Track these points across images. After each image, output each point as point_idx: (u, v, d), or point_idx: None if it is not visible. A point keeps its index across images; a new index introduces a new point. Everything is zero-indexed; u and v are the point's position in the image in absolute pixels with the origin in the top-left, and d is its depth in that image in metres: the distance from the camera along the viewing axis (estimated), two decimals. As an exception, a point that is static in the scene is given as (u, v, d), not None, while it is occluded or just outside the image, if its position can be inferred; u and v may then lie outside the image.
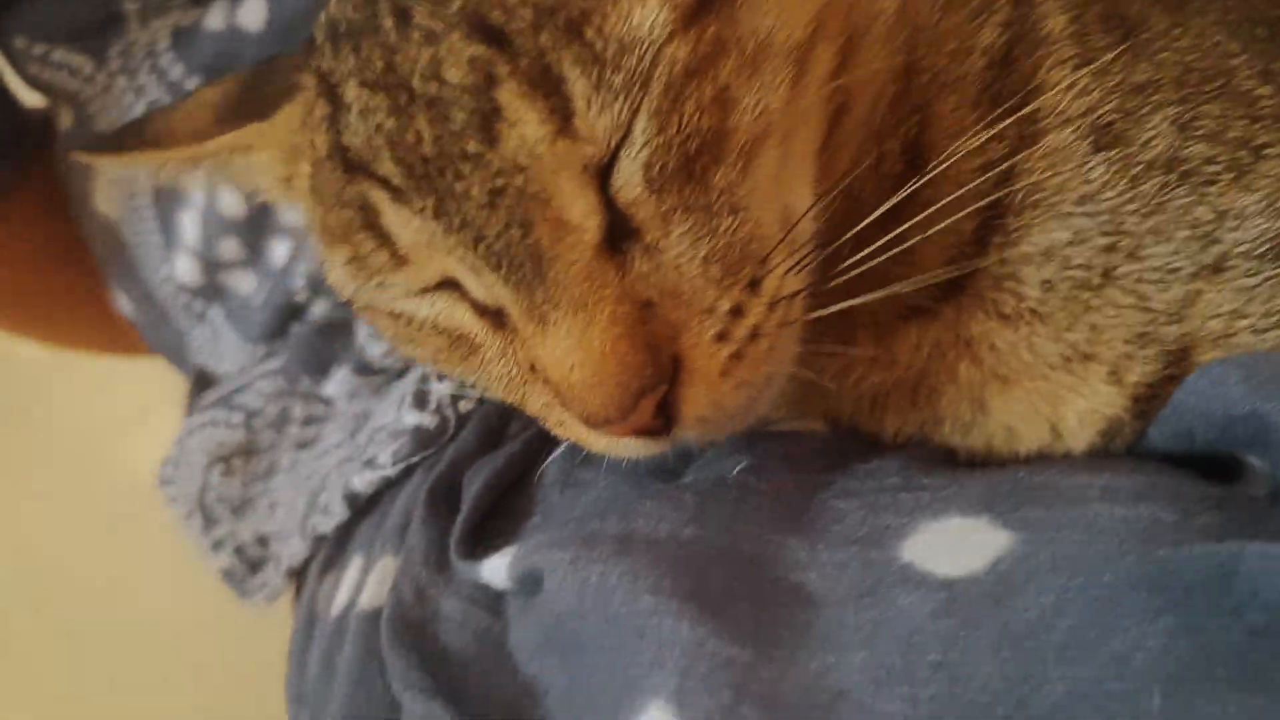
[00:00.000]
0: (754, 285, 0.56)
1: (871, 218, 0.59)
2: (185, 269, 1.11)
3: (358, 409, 0.95)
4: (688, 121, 0.54)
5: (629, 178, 0.55)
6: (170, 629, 1.76)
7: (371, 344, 1.01)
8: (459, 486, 0.80)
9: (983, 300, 0.63)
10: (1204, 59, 0.65)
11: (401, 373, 0.96)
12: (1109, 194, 0.60)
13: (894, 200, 0.60)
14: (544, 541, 0.64)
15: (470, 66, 0.55)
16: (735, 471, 0.61)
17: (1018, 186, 0.61)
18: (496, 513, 0.75)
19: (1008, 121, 0.62)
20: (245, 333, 1.06)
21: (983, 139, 0.61)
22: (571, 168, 0.55)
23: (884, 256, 0.60)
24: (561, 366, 0.55)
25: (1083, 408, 0.62)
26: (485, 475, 0.76)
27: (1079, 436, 0.63)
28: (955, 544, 0.53)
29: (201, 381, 1.17)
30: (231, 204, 1.02)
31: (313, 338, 1.05)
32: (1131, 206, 0.60)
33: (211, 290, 1.12)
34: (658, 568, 0.56)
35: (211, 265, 1.10)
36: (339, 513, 0.87)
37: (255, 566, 0.95)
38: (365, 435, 0.89)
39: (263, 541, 0.96)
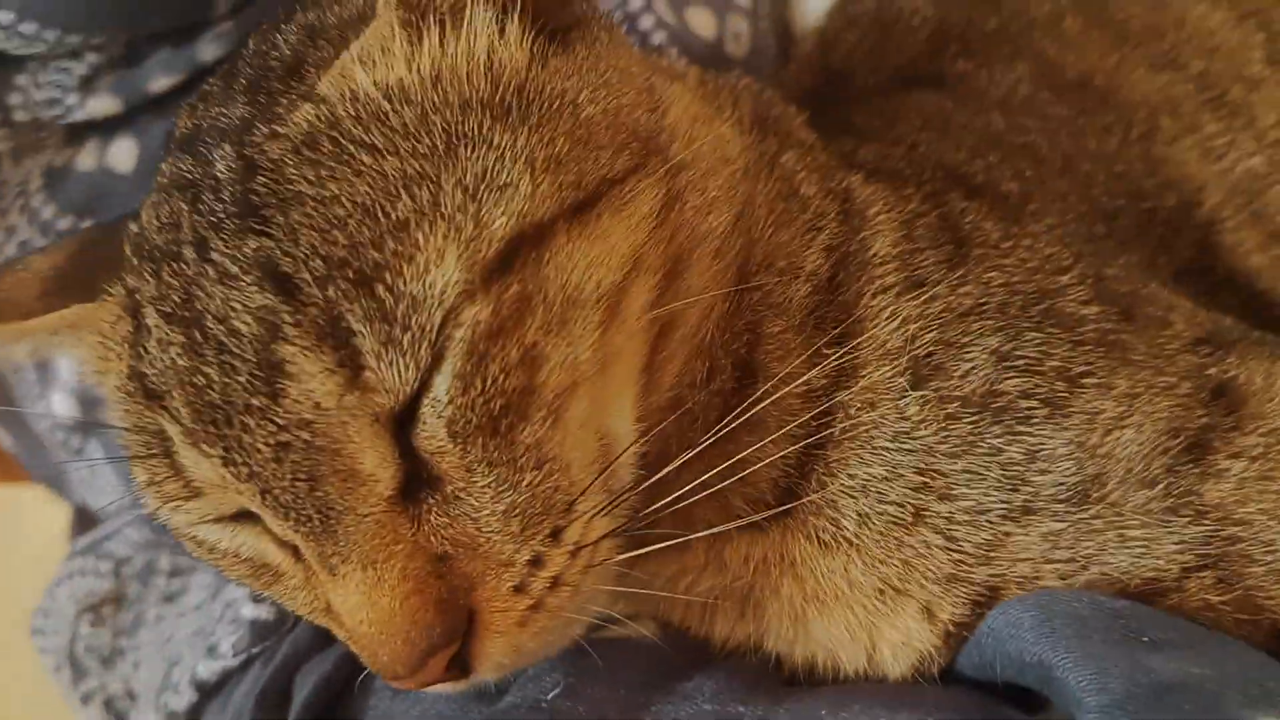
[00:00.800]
0: (555, 535, 0.55)
1: (705, 441, 0.60)
2: (61, 405, 1.08)
3: None
4: (492, 382, 0.54)
5: (433, 430, 0.54)
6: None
7: None
8: (289, 689, 0.77)
9: (805, 525, 0.63)
10: (1030, 279, 0.64)
11: None
12: (923, 432, 0.61)
13: (726, 423, 0.59)
14: None
15: (256, 317, 0.54)
16: (550, 696, 0.59)
17: (837, 420, 0.61)
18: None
19: (830, 356, 0.61)
20: (122, 470, 1.01)
21: (806, 368, 0.59)
22: (362, 419, 0.54)
23: (715, 484, 0.60)
24: (352, 618, 0.54)
25: (896, 640, 0.62)
26: (314, 680, 0.74)
27: (893, 667, 0.63)
28: None
29: (82, 520, 1.15)
30: None
31: None
32: (945, 447, 0.60)
33: (89, 426, 1.09)
34: None
35: (88, 401, 1.07)
36: (188, 695, 0.87)
37: (123, 722, 0.91)
38: (220, 605, 0.87)
39: (130, 695, 0.94)
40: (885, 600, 0.61)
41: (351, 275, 0.53)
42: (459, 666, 0.55)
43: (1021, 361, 0.61)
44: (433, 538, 0.54)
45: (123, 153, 0.95)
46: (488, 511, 0.55)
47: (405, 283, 0.53)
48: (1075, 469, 0.59)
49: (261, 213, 0.55)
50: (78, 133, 0.95)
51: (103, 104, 0.91)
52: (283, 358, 0.53)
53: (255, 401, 0.54)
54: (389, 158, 0.55)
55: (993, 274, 0.64)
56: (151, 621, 0.96)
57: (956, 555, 0.60)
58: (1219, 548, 0.57)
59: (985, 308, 0.62)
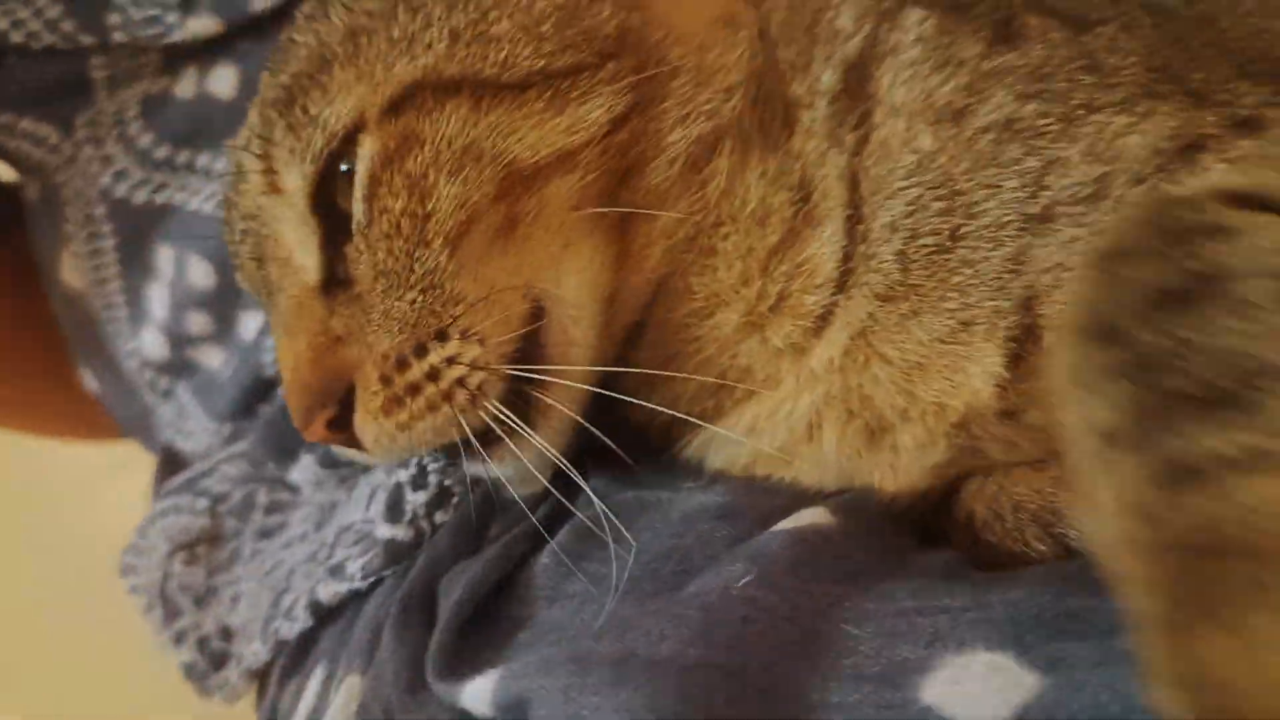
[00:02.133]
0: (419, 350, 0.65)
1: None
2: (152, 344, 1.08)
3: (323, 499, 0.92)
4: (385, 201, 0.64)
5: (353, 239, 0.66)
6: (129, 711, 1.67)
7: None
8: (434, 596, 0.74)
9: (862, 289, 0.66)
10: (1076, 68, 0.65)
11: (368, 467, 0.91)
12: (940, 159, 0.64)
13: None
14: (533, 664, 0.60)
15: (253, 133, 0.71)
16: (741, 584, 0.57)
17: (862, 186, 0.66)
18: (478, 626, 0.69)
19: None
20: (212, 410, 1.04)
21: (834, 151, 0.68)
22: (288, 220, 0.68)
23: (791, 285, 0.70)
24: (280, 368, 0.69)
25: (978, 371, 0.64)
26: (464, 584, 0.70)
27: (982, 395, 0.64)
28: (980, 686, 0.49)
29: (169, 460, 1.13)
30: (201, 275, 1.00)
31: (280, 421, 1.00)
32: (962, 166, 0.64)
33: (179, 366, 1.08)
34: (657, 701, 0.51)
35: (179, 340, 1.06)
36: (303, 619, 0.83)
37: (218, 662, 0.90)
38: (332, 531, 0.85)
39: (226, 634, 0.91)
40: (960, 340, 0.64)
41: (285, 98, 0.67)
42: (341, 430, 0.66)
43: (1044, 95, 0.63)
44: (335, 323, 0.66)
45: (223, 80, 0.95)
46: (377, 310, 0.65)
47: (314, 106, 0.66)
48: (1088, 172, 0.61)
49: (281, 56, 0.72)
50: (176, 59, 0.97)
51: (203, 24, 0.90)
52: (241, 161, 0.71)
53: (231, 195, 0.74)
54: (349, 14, 0.69)
55: (1035, 50, 0.65)
56: (248, 556, 0.94)
57: (994, 266, 0.62)
58: None
59: (1018, 70, 0.64)
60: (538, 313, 0.67)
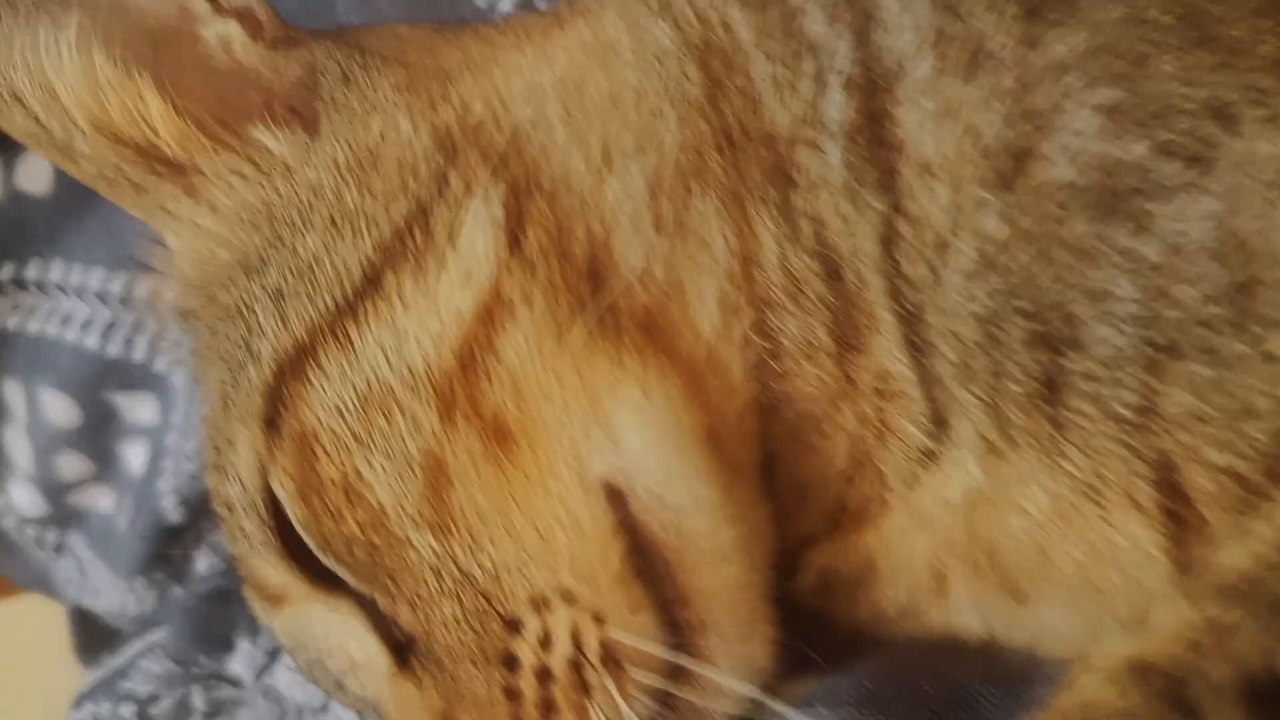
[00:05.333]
0: (511, 660, 0.51)
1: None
2: (24, 499, 0.94)
3: (279, 696, 0.82)
4: (332, 539, 0.53)
5: (373, 596, 0.55)
6: None
7: None
8: None
9: (961, 434, 0.54)
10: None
11: None
12: (1015, 252, 0.51)
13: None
14: None
15: None
16: None
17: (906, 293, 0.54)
18: None
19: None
20: (116, 566, 0.94)
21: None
22: (316, 618, 0.56)
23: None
24: None
25: (1126, 546, 0.52)
26: None
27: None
28: None
29: (83, 626, 0.99)
30: (60, 411, 0.90)
31: (203, 605, 0.87)
32: (1047, 259, 0.51)
33: (64, 517, 0.95)
34: None
35: (55, 489, 0.93)
36: None
37: None
38: None
39: None
40: (1091, 507, 0.51)
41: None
42: None
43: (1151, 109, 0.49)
44: (433, 698, 0.53)
45: (35, 172, 0.87)
46: (445, 652, 0.53)
47: (230, 498, 0.57)
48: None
49: None
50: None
51: None
52: None
53: None
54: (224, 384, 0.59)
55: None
56: None
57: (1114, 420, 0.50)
58: None
59: (1080, 54, 0.50)
60: (620, 502, 0.52)
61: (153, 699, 0.86)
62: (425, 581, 0.52)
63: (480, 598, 0.52)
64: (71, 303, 0.86)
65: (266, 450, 0.54)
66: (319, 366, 0.53)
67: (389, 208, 0.55)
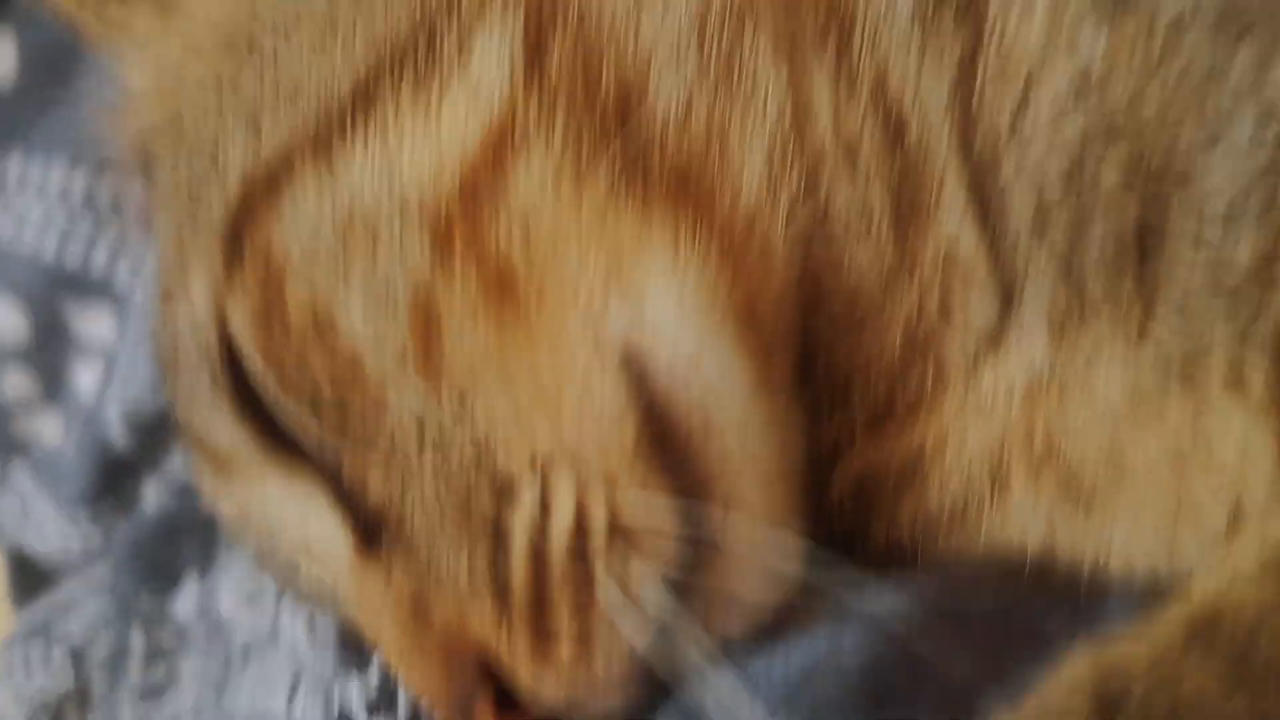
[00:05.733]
0: (498, 527, 0.46)
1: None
2: None
3: (225, 642, 0.74)
4: (300, 373, 0.48)
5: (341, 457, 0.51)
6: None
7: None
8: None
9: (1031, 305, 0.50)
10: None
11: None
12: (1115, 75, 0.47)
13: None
14: None
15: None
16: None
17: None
18: None
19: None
20: (60, 498, 0.89)
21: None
22: (273, 498, 0.53)
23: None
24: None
25: (1224, 443, 0.49)
26: None
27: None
28: None
29: (22, 571, 0.95)
30: (11, 322, 0.86)
31: (149, 536, 0.82)
32: (1153, 89, 0.47)
33: (6, 445, 0.91)
34: None
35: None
36: None
37: None
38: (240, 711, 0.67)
39: None
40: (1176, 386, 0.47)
41: None
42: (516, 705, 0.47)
43: None
44: (403, 581, 0.49)
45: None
46: (421, 522, 0.48)
47: (178, 333, 0.52)
48: None
49: None
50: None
51: None
52: None
53: None
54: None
55: None
56: None
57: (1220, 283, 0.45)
58: None
59: None
60: (637, 369, 0.47)
61: (88, 643, 0.80)
62: (402, 439, 0.47)
63: (468, 457, 0.47)
64: (28, 203, 0.83)
65: (225, 284, 0.49)
66: (295, 188, 0.48)
67: (390, 15, 0.50)
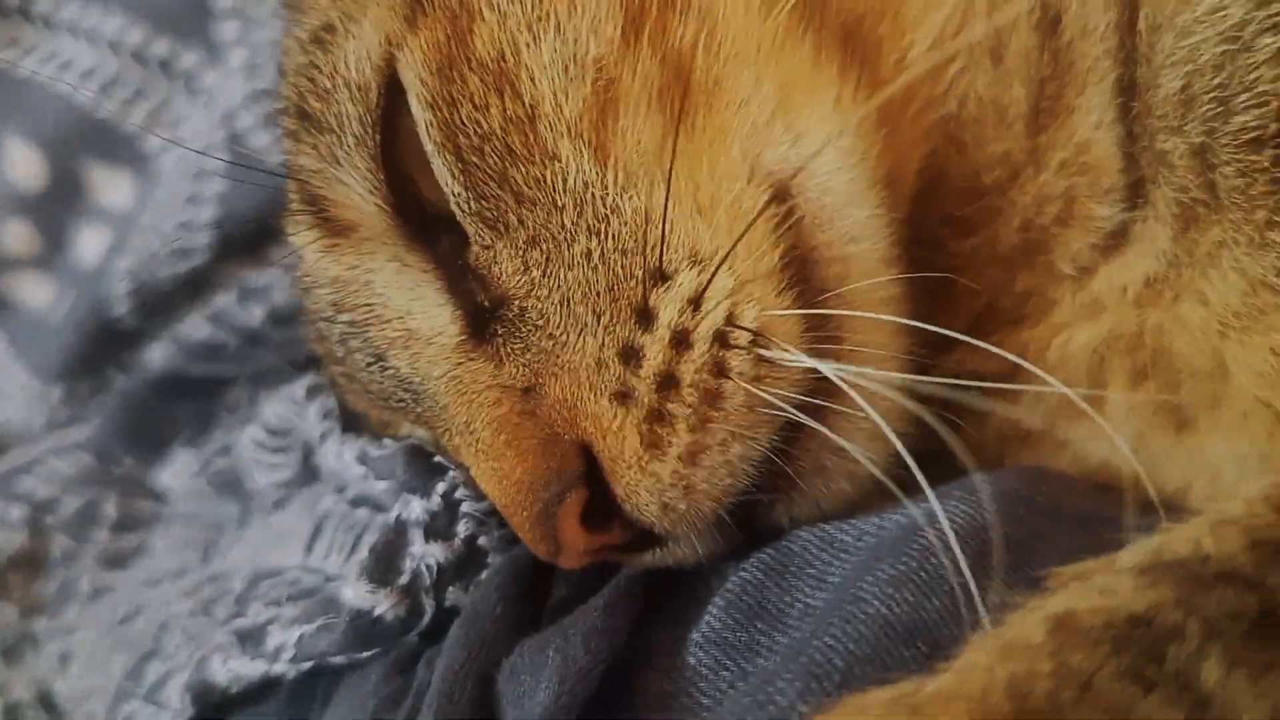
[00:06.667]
0: (645, 316, 0.46)
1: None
2: None
3: (209, 514, 0.73)
4: (470, 124, 0.48)
5: (467, 223, 0.49)
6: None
7: (275, 403, 0.73)
8: (491, 699, 0.49)
9: (1161, 205, 0.49)
10: None
11: (307, 474, 0.67)
12: None
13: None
14: None
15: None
16: None
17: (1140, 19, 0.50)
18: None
19: None
20: (37, 364, 0.86)
21: None
22: (379, 264, 0.52)
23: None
24: (489, 495, 0.50)
25: None
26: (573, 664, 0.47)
27: None
28: None
29: None
30: (25, 167, 0.81)
31: (146, 398, 0.79)
32: None
33: None
34: None
35: None
36: (178, 707, 0.58)
37: (30, 740, 0.68)
38: (238, 572, 0.64)
39: (47, 704, 0.71)
40: None
41: (297, 97, 0.53)
42: (603, 521, 0.47)
43: None
44: (511, 371, 0.49)
45: None
46: (552, 306, 0.48)
47: (330, 78, 0.51)
48: None
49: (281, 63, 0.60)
50: None
51: None
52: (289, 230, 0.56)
53: (307, 300, 0.58)
54: None
55: None
56: (87, 594, 0.74)
57: None
58: None
59: None
60: (785, 207, 0.48)
61: (51, 502, 0.76)
62: (562, 207, 0.47)
63: (629, 236, 0.47)
64: (78, 47, 0.80)
65: (407, 23, 0.49)
66: None
67: None
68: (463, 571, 0.54)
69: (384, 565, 0.54)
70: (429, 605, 0.54)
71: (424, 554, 0.54)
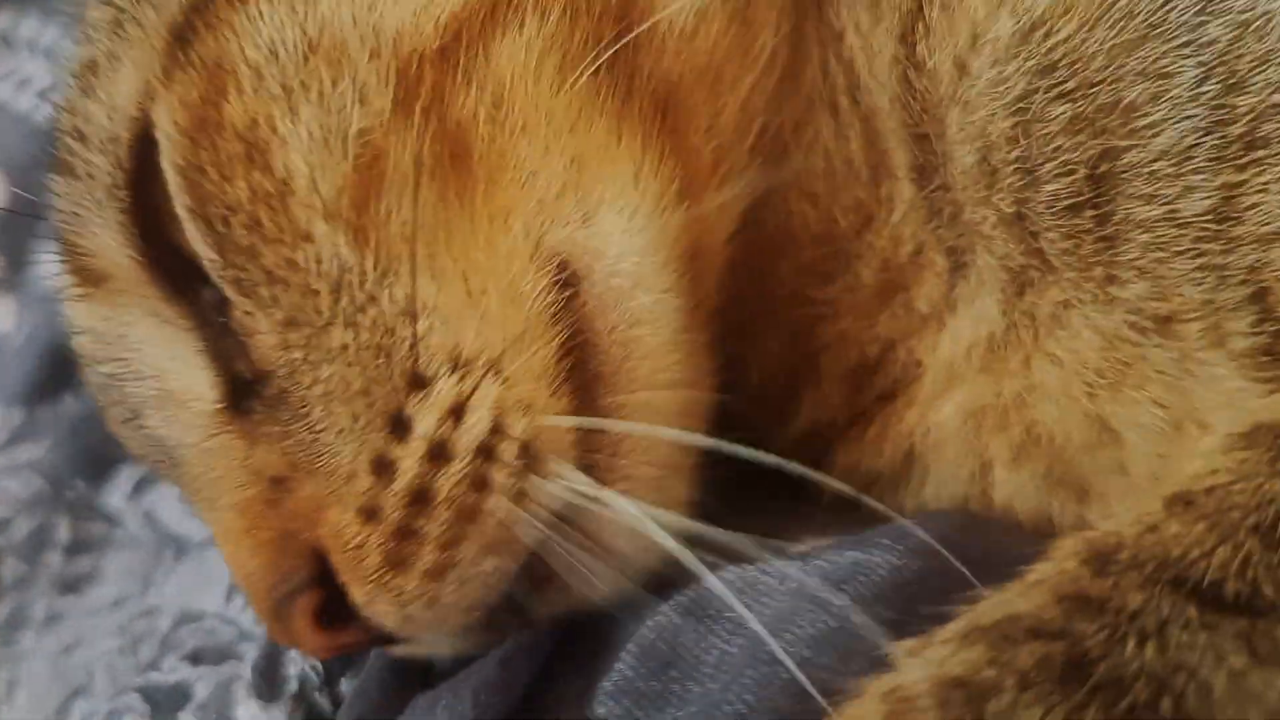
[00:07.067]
0: (399, 424, 0.44)
1: None
2: None
3: (158, 538, 0.73)
4: (225, 191, 0.45)
5: (235, 300, 0.46)
6: None
7: None
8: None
9: (980, 261, 0.50)
10: None
11: None
12: (1061, 26, 0.46)
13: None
14: None
15: None
16: None
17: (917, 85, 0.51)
18: None
19: None
20: None
21: None
22: (133, 318, 0.49)
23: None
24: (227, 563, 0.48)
25: (1206, 397, 0.47)
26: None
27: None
28: None
29: None
30: None
31: (96, 420, 0.73)
32: (1097, 40, 0.45)
33: None
34: None
35: None
36: None
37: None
38: (165, 610, 0.65)
39: None
40: (1152, 343, 0.46)
41: (64, 146, 0.50)
42: (343, 624, 0.45)
43: None
44: (262, 456, 0.46)
45: None
46: (314, 396, 0.45)
47: (85, 123, 0.49)
48: None
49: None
50: None
51: None
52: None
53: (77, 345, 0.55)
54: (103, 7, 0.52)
55: None
56: (40, 621, 0.74)
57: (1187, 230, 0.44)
58: None
59: None
60: (568, 293, 0.46)
61: (3, 523, 0.76)
62: (316, 293, 0.44)
63: (385, 334, 0.44)
64: (35, 65, 0.81)
65: (163, 74, 0.46)
66: None
67: None
68: (351, 659, 0.52)
69: (268, 679, 0.54)
70: (324, 702, 0.53)
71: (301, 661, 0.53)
